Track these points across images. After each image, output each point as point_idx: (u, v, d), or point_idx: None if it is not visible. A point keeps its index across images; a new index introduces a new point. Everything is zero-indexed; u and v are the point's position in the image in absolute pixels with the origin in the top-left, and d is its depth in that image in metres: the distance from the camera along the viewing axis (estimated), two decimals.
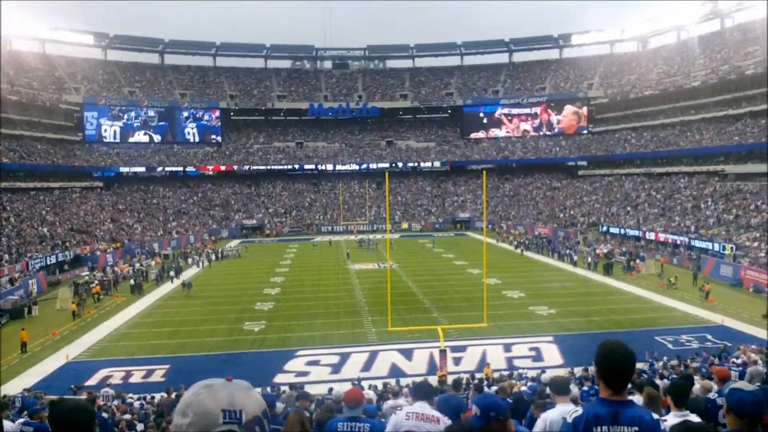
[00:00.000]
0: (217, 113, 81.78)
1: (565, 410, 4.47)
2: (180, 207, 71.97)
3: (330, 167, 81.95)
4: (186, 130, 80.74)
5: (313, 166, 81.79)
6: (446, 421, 4.62)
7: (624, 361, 2.75)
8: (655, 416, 2.85)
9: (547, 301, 32.34)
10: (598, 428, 2.70)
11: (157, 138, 78.84)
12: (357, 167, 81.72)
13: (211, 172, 78.81)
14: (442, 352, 21.33)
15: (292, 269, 45.73)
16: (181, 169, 76.86)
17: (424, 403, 4.64)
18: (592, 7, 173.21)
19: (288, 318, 30.15)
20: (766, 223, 41.64)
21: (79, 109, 72.48)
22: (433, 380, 18.96)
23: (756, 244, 39.51)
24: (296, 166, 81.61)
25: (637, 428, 2.68)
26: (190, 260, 50.04)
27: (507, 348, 24.46)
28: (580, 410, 2.83)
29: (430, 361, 22.77)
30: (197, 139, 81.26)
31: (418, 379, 18.47)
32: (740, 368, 14.85)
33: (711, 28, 75.14)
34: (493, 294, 32.66)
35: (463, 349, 24.18)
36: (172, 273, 42.29)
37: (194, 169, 77.51)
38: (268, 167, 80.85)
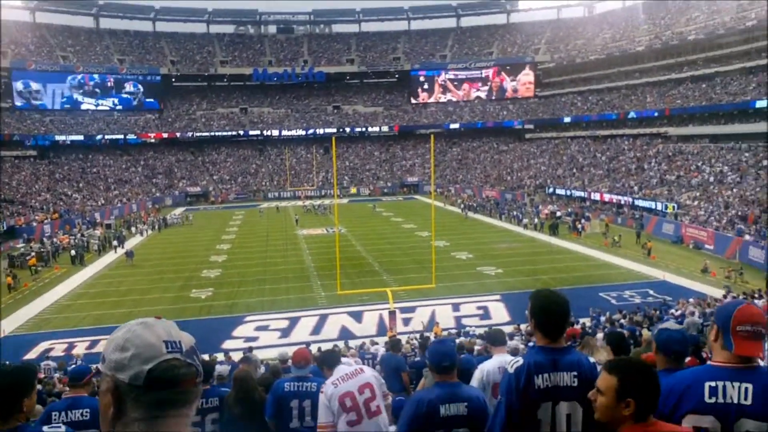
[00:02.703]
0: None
1: (502, 360, 4.44)
2: (122, 175, 69.69)
3: (276, 133, 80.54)
4: (126, 97, 77.74)
5: (258, 132, 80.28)
6: (371, 371, 4.62)
7: (559, 309, 2.82)
8: (592, 360, 2.96)
9: (494, 262, 32.80)
10: (540, 376, 2.74)
11: (94, 105, 75.71)
12: (303, 132, 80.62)
13: (153, 140, 76.51)
14: (392, 313, 21.45)
15: (238, 236, 45.03)
16: (121, 136, 74.22)
17: (340, 366, 4.63)
18: None
19: (236, 285, 29.77)
20: (706, 183, 43.12)
21: (7, 74, 68.77)
22: (384, 341, 19.07)
23: (696, 203, 40.88)
24: (241, 132, 79.99)
25: (576, 372, 2.76)
26: (133, 229, 48.78)
27: (455, 308, 24.78)
28: (521, 360, 2.83)
29: (379, 323, 22.91)
30: (138, 106, 78.46)
31: (367, 340, 18.58)
32: (679, 320, 15.48)
33: None
34: (442, 256, 32.91)
35: (412, 310, 24.34)
36: (115, 242, 41.10)
37: (135, 137, 75.04)
38: (212, 134, 79.11)
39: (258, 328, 23.06)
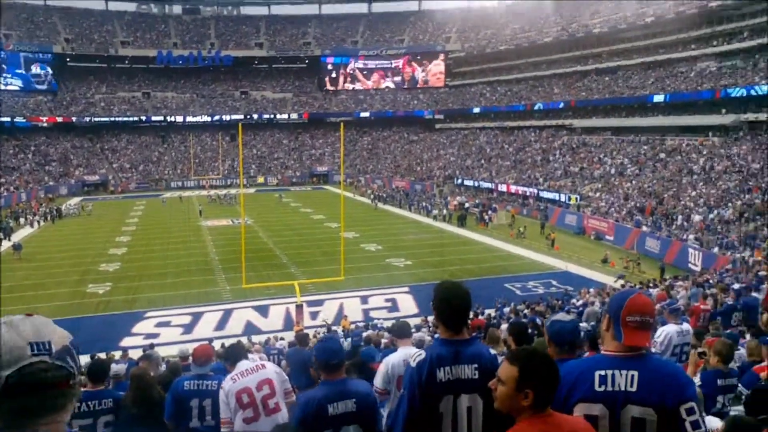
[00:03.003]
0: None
1: (407, 353, 4.43)
2: (8, 162, 64.78)
3: (180, 119, 77.71)
4: (13, 76, 72.47)
5: (161, 118, 77.19)
6: (274, 367, 4.68)
7: (460, 301, 2.85)
8: (493, 351, 3.09)
9: (403, 253, 33.00)
10: (442, 369, 2.77)
11: (3, 84, 70.15)
12: (209, 119, 78.23)
13: (45, 124, 71.82)
14: (299, 307, 21.20)
15: (139, 228, 43.19)
16: (8, 119, 68.98)
17: (242, 362, 4.61)
18: None
19: (136, 279, 28.53)
20: (607, 175, 45.16)
21: None
22: (290, 335, 18.81)
23: (598, 194, 42.61)
24: (143, 118, 76.56)
25: (476, 365, 2.80)
26: (22, 220, 45.77)
27: (364, 300, 24.75)
28: (423, 353, 2.86)
29: (286, 317, 22.55)
30: (27, 87, 73.38)
31: (272, 336, 18.28)
32: (580, 309, 16.05)
33: None
34: (351, 247, 32.82)
35: (320, 303, 24.15)
36: (0, 234, 38.35)
37: (24, 120, 70.15)
38: (112, 119, 75.28)
39: (159, 324, 22.19)
